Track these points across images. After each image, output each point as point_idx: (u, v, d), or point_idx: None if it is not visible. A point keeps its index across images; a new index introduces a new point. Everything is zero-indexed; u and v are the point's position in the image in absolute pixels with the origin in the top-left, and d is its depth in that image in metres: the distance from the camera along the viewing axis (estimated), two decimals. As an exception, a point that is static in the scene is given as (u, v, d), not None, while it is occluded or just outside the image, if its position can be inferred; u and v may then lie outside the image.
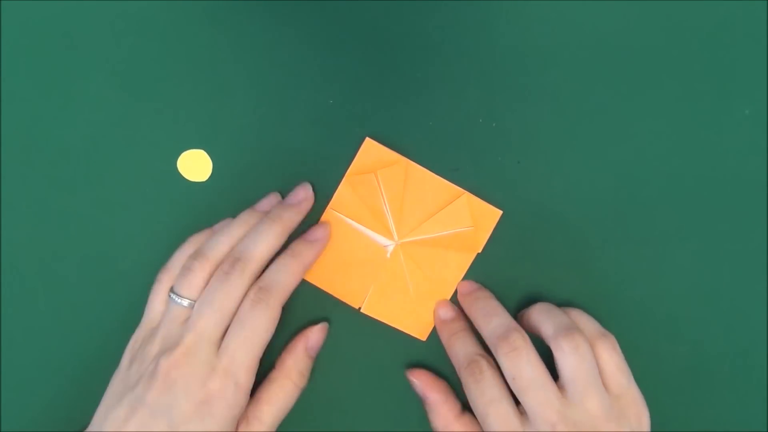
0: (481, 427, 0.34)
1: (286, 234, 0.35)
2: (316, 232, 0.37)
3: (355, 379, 0.38)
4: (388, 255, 0.38)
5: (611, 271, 0.38)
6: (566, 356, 0.33)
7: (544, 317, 0.35)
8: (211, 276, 0.34)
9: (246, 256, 0.34)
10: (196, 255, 0.34)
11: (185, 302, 0.34)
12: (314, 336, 0.37)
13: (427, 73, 0.38)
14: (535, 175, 0.38)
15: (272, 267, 0.35)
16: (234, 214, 0.38)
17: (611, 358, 0.34)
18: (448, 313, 0.38)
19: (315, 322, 0.38)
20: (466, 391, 0.35)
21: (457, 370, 0.36)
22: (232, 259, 0.34)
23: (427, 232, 0.38)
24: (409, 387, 0.38)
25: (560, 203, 0.38)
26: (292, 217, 0.36)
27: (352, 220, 0.38)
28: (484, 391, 0.33)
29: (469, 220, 0.37)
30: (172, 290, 0.34)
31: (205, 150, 0.38)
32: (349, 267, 0.38)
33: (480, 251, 0.38)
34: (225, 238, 0.35)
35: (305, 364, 0.37)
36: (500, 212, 0.38)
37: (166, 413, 0.31)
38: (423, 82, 0.38)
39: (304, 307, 0.38)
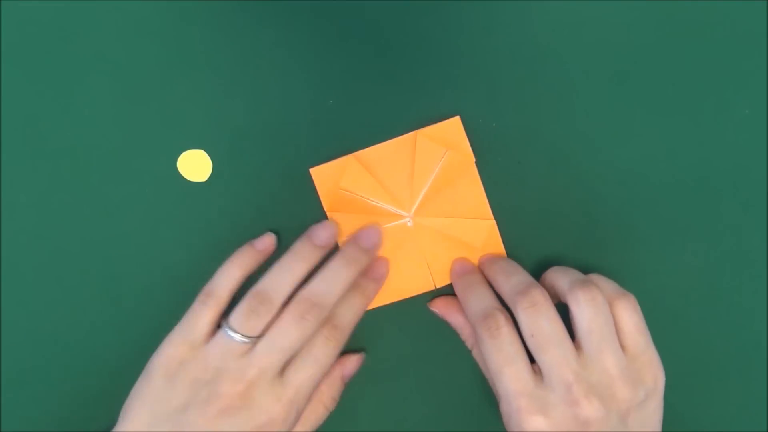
0: None
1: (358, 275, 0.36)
2: (381, 269, 0.38)
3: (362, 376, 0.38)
4: (412, 227, 0.38)
5: (611, 270, 0.38)
6: (582, 308, 0.32)
7: (560, 275, 0.35)
8: (274, 318, 0.34)
9: (323, 303, 0.34)
10: (262, 299, 0.34)
11: (246, 340, 0.33)
12: (350, 365, 0.38)
13: (427, 73, 0.38)
14: (535, 175, 0.38)
15: (343, 307, 0.35)
16: (234, 214, 0.38)
17: (630, 318, 0.33)
18: (464, 266, 0.38)
19: (351, 350, 0.38)
20: (481, 346, 0.34)
21: (472, 323, 0.35)
22: (309, 304, 0.34)
23: (422, 186, 0.38)
24: (415, 383, 0.38)
25: (560, 203, 0.38)
26: (366, 262, 0.37)
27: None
28: (500, 348, 0.33)
29: (441, 147, 0.37)
30: (228, 325, 0.34)
31: (205, 150, 0.38)
32: (392, 266, 0.38)
33: (475, 159, 0.38)
34: (288, 277, 0.35)
35: (338, 391, 0.38)
36: (457, 117, 0.38)
37: None
38: (423, 82, 0.38)
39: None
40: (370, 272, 0.37)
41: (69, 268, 0.38)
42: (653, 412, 0.33)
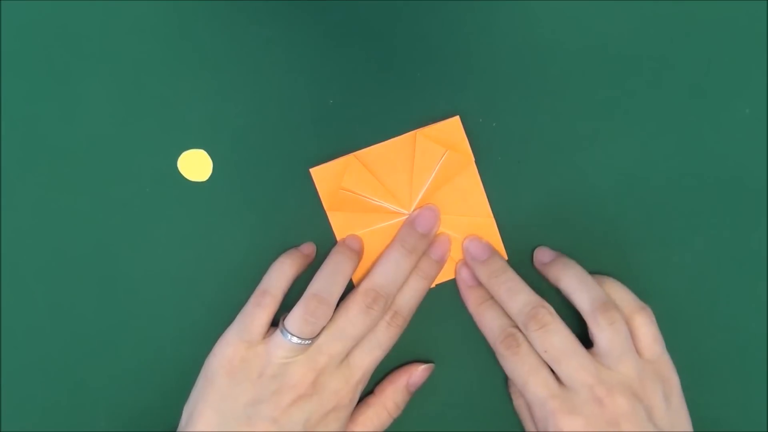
0: None
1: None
2: (441, 249, 0.38)
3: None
4: None
5: (611, 270, 0.38)
6: (603, 331, 0.34)
7: (577, 286, 0.35)
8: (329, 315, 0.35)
9: (387, 293, 0.36)
10: (319, 302, 0.35)
11: (306, 342, 0.34)
12: (419, 374, 0.38)
13: (426, 73, 0.38)
14: (534, 175, 0.38)
15: (405, 292, 0.37)
16: (234, 214, 0.38)
17: (648, 331, 0.35)
18: (471, 276, 0.38)
19: (421, 360, 0.39)
20: (503, 363, 0.36)
21: (491, 342, 0.37)
22: (375, 295, 0.36)
23: (423, 184, 0.38)
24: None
25: (560, 203, 0.38)
26: (425, 247, 0.37)
27: (365, 228, 0.38)
28: (524, 362, 0.34)
29: (440, 148, 0.37)
30: (286, 329, 0.34)
31: (205, 150, 0.38)
32: None
33: (474, 158, 0.38)
34: (340, 278, 0.36)
35: (403, 398, 0.38)
36: (457, 117, 0.38)
37: (298, 424, 0.34)
38: (423, 82, 0.38)
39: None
40: (432, 251, 0.38)
41: (69, 268, 0.38)
42: (678, 409, 0.35)
